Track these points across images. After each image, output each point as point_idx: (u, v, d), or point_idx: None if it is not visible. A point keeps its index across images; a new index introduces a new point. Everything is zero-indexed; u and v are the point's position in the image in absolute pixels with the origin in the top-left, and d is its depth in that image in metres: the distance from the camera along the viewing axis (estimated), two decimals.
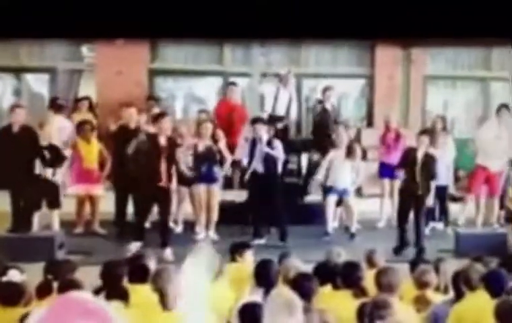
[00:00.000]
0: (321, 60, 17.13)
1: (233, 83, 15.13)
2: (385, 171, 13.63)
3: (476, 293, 7.27)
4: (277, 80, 14.36)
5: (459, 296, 7.33)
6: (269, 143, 12.56)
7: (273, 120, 13.67)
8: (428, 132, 12.68)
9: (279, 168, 12.75)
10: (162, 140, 11.71)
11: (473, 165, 13.50)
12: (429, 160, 12.07)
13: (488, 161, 13.19)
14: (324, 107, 14.21)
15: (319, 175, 13.06)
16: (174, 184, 12.16)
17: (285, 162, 13.40)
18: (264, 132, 12.61)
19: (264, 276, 7.44)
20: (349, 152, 12.93)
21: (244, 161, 12.77)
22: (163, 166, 11.61)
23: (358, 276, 7.49)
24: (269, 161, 12.51)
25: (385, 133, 13.85)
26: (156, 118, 12.17)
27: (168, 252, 11.48)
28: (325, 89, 14.35)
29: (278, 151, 12.61)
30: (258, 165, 12.55)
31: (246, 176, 12.76)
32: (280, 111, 14.11)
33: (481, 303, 6.89)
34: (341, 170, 12.91)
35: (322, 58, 17.15)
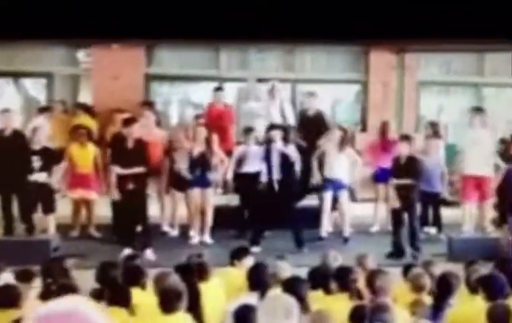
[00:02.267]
0: (316, 66, 17.22)
1: (218, 89, 15.21)
2: (381, 175, 13.68)
3: (470, 297, 7.36)
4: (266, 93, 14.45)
5: (439, 299, 7.38)
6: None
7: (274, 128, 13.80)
8: (407, 137, 12.78)
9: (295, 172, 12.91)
10: (130, 143, 11.94)
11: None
12: (412, 163, 12.25)
13: (470, 166, 13.24)
14: (307, 115, 14.26)
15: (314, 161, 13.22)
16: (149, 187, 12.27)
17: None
18: (279, 139, 12.75)
19: (258, 280, 7.54)
20: (342, 143, 13.10)
21: (262, 169, 12.84)
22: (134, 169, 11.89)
23: (352, 279, 7.58)
24: (284, 166, 12.65)
25: (383, 138, 13.90)
26: (126, 123, 12.30)
27: (149, 253, 11.74)
28: (309, 95, 14.41)
29: (292, 153, 12.76)
30: (274, 172, 12.68)
31: (262, 183, 12.84)
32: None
33: (475, 308, 6.94)
34: (335, 161, 13.07)
35: (317, 64, 17.23)
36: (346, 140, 13.27)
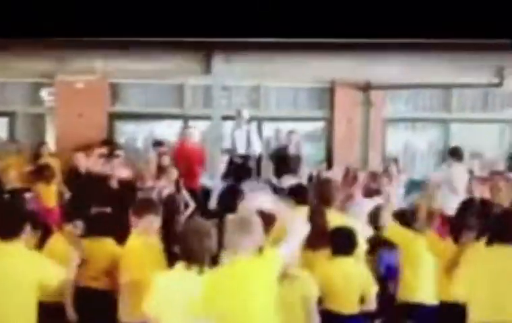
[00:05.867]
0: (281, 103, 17.18)
1: (189, 127, 15.21)
2: None
3: None
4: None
5: None
6: None
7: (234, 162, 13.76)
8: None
9: None
10: (114, 183, 11.71)
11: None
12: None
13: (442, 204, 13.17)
14: (287, 151, 14.31)
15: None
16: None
17: None
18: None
19: None
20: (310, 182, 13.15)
21: None
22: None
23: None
24: None
25: (345, 177, 13.84)
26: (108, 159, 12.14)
27: None
28: (289, 133, 14.52)
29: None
30: None
31: None
32: (240, 149, 14.23)
33: None
34: None
35: (282, 101, 17.19)
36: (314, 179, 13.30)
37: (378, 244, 8.82)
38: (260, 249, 5.71)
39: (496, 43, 14.23)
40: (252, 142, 14.55)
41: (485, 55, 15.67)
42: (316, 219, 7.64)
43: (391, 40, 14.00)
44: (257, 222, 5.78)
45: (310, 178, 13.26)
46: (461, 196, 13.04)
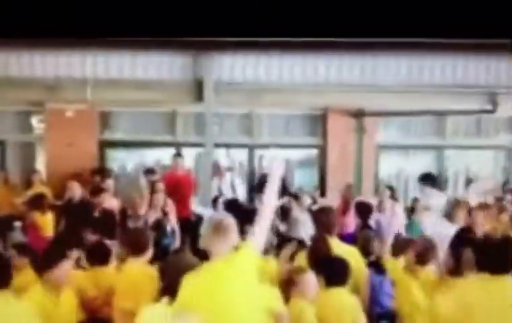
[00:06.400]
0: (274, 130, 17.08)
1: (178, 154, 15.11)
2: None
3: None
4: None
5: None
6: None
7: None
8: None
9: None
10: (97, 213, 11.88)
11: None
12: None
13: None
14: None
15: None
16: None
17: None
18: None
19: None
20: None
21: None
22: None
23: None
24: None
25: (343, 204, 13.79)
26: (94, 192, 12.07)
27: None
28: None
29: None
30: None
31: None
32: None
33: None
34: (301, 221, 13.17)
35: (274, 128, 17.09)
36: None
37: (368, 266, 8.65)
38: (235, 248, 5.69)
39: (495, 43, 14.19)
40: (236, 187, 14.56)
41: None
42: (319, 247, 7.56)
43: (388, 39, 13.93)
44: (231, 224, 5.80)
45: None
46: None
